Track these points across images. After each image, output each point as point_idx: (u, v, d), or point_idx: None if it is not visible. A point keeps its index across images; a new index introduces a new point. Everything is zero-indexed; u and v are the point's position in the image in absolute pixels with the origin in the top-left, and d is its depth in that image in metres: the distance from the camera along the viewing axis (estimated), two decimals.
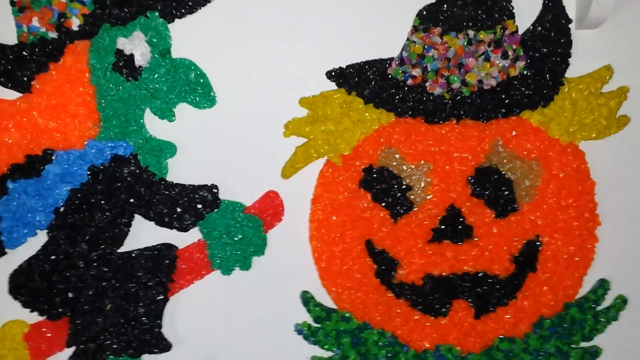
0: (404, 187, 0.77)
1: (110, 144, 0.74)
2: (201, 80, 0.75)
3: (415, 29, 0.75)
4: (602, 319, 0.78)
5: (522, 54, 0.74)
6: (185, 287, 0.78)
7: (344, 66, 0.75)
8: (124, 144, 0.75)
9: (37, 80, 0.74)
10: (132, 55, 0.74)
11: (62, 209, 0.75)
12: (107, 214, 0.75)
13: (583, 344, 0.79)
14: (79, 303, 0.76)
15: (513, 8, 0.74)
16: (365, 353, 0.78)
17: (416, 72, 0.74)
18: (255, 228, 0.77)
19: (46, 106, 0.74)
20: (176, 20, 0.74)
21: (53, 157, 0.74)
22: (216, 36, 0.75)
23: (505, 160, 0.76)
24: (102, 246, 0.75)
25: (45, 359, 0.78)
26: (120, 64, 0.74)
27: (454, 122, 0.76)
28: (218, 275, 0.78)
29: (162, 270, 0.76)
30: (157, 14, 0.74)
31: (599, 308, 0.79)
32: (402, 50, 0.75)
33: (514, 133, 0.76)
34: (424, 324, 0.78)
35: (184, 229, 0.76)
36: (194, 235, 0.77)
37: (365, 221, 0.77)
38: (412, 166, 0.76)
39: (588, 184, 0.76)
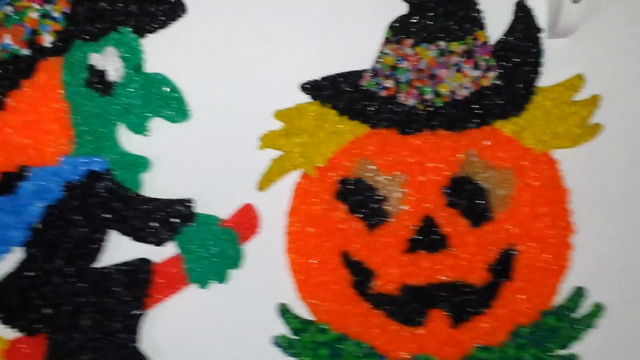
0: (379, 198, 0.77)
1: (84, 160, 0.75)
2: (175, 95, 0.75)
3: (387, 41, 0.75)
4: (579, 327, 0.79)
5: (493, 64, 0.75)
6: (162, 301, 0.78)
7: (317, 79, 0.76)
8: (99, 160, 0.75)
9: (10, 97, 0.74)
10: (105, 71, 0.74)
11: (37, 226, 0.75)
12: (82, 229, 0.75)
13: (560, 352, 0.79)
14: (57, 319, 0.76)
15: (484, 19, 0.74)
16: None
17: (389, 83, 0.75)
18: (231, 241, 0.77)
19: (20, 123, 0.74)
20: (148, 35, 0.75)
21: (28, 174, 0.74)
22: (189, 51, 0.76)
23: (479, 170, 0.77)
24: (79, 262, 0.75)
25: None
26: (93, 79, 0.74)
27: (428, 132, 0.76)
28: (195, 289, 0.78)
29: (138, 285, 0.76)
30: (129, 29, 0.74)
31: (575, 316, 0.79)
32: (375, 62, 0.75)
33: (487, 143, 0.76)
34: (401, 334, 0.78)
35: (160, 243, 0.76)
36: (170, 249, 0.77)
37: (341, 232, 0.77)
38: (387, 177, 0.77)
39: (562, 192, 0.77)
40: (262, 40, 0.76)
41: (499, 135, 0.76)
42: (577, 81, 0.76)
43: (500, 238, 0.77)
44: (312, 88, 0.76)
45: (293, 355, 0.79)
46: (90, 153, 0.75)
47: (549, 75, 0.76)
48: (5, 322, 0.76)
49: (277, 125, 0.77)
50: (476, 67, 0.74)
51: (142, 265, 0.77)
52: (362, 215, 0.77)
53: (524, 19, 0.75)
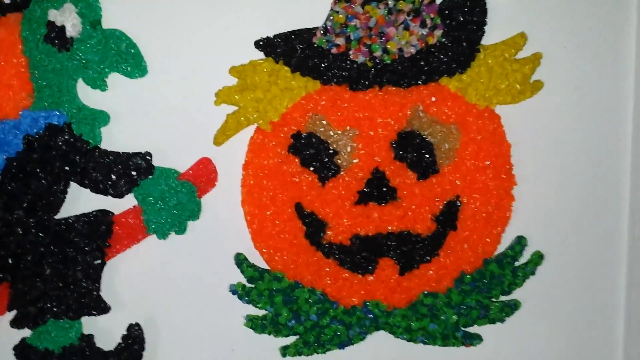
0: (330, 151, 0.80)
1: (44, 114, 0.76)
2: (132, 50, 0.77)
3: (338, 0, 0.78)
4: (520, 274, 0.83)
5: (439, 22, 0.78)
6: (122, 251, 0.81)
7: (271, 36, 0.78)
8: (58, 113, 0.77)
9: None
10: (63, 27, 0.75)
11: None
12: (43, 181, 0.77)
13: (503, 298, 0.84)
14: (19, 268, 0.78)
15: None
16: (297, 310, 0.82)
17: (340, 41, 0.78)
18: (190, 194, 0.80)
19: None
20: None
21: None
22: (146, 6, 0.77)
23: (425, 125, 0.80)
24: (39, 213, 0.78)
25: None
26: (51, 35, 0.75)
27: (377, 89, 0.79)
28: (154, 240, 0.80)
29: (98, 236, 0.79)
30: None
31: (517, 264, 0.83)
32: (326, 20, 0.78)
33: (433, 99, 0.79)
34: (352, 281, 0.82)
35: (119, 195, 0.79)
36: (130, 201, 0.80)
37: (295, 185, 0.80)
38: (338, 132, 0.80)
39: (504, 146, 0.81)
40: None
41: (444, 92, 0.79)
42: (519, 39, 0.79)
43: (446, 190, 0.80)
44: (266, 45, 0.78)
45: (249, 302, 0.82)
46: (50, 107, 0.77)
47: (493, 33, 0.79)
48: None
49: (232, 81, 0.79)
50: (423, 25, 0.77)
51: (102, 217, 0.79)
52: (314, 169, 0.80)
53: None
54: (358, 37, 0.78)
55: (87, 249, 0.79)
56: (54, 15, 0.75)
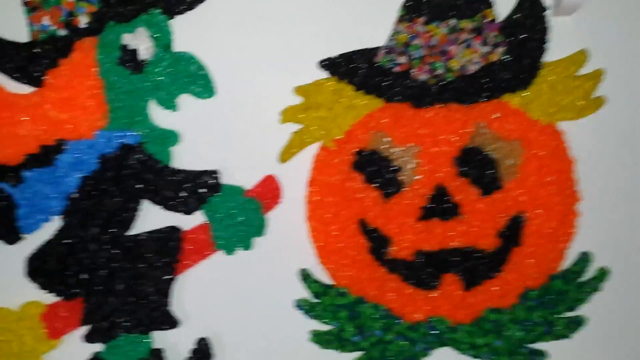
0: (393, 168, 0.81)
1: (118, 134, 0.79)
2: (201, 72, 0.80)
3: (400, 19, 0.79)
4: (585, 290, 0.82)
5: (501, 40, 0.79)
6: (191, 267, 0.83)
7: (335, 56, 0.80)
8: (131, 134, 0.80)
9: (48, 75, 0.79)
10: (136, 50, 0.79)
11: (74, 196, 0.80)
12: (116, 199, 0.80)
13: (568, 314, 0.83)
14: (92, 284, 0.81)
15: None
16: (362, 326, 0.83)
17: (402, 59, 0.79)
18: (255, 210, 0.81)
19: (58, 99, 0.79)
20: (177, 16, 0.79)
21: (65, 147, 0.79)
22: (215, 31, 0.80)
23: (488, 141, 0.81)
24: (113, 230, 0.80)
25: (61, 337, 0.82)
26: (125, 58, 0.79)
27: (440, 106, 0.80)
28: (222, 256, 0.82)
29: (168, 252, 0.81)
30: (159, 11, 0.79)
31: (581, 279, 0.83)
32: (389, 39, 0.80)
33: (496, 115, 0.80)
34: (416, 297, 0.82)
35: (189, 212, 0.81)
36: (198, 218, 0.82)
37: (358, 201, 0.81)
38: (401, 148, 0.81)
39: (567, 161, 0.81)
40: (284, 21, 0.80)
41: (507, 108, 0.80)
42: (580, 56, 0.80)
43: (509, 205, 0.81)
44: (330, 65, 0.80)
45: (314, 317, 0.83)
46: (123, 127, 0.80)
47: (554, 50, 0.79)
48: (43, 287, 0.81)
49: (297, 100, 0.81)
50: (485, 43, 0.79)
51: (173, 233, 0.81)
52: (377, 185, 0.81)
53: None
54: (420, 56, 0.79)
55: (157, 264, 0.81)
56: (127, 39, 0.79)
